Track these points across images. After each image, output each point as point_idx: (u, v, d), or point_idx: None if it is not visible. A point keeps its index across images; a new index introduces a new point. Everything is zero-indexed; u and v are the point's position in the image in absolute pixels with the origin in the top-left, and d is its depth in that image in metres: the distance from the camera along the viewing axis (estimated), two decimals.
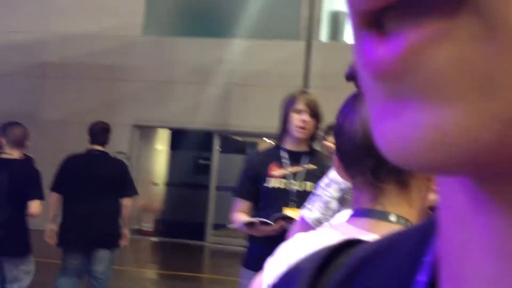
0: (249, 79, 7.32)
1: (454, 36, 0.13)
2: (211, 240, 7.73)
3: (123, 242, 3.33)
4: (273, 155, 2.08)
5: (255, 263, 2.00)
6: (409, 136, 0.14)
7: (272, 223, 1.92)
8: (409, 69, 0.14)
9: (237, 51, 7.37)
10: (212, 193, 7.96)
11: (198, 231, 7.78)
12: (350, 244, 0.27)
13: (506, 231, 0.16)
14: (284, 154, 2.06)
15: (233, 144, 8.46)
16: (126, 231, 3.34)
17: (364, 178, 0.75)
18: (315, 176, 1.99)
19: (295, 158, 2.05)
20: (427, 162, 0.14)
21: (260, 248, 1.98)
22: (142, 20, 7.77)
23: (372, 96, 0.16)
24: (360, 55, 0.15)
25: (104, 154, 3.33)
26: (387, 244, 0.24)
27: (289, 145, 2.06)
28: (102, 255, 3.25)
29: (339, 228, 0.76)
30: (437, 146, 0.14)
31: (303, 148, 2.06)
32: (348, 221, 0.77)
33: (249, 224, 1.95)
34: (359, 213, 0.76)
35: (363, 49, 0.15)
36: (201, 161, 8.69)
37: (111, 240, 3.29)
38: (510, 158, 0.14)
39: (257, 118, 6.86)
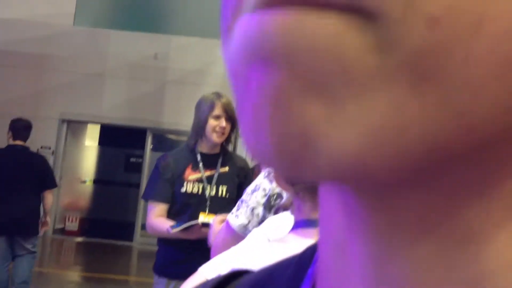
0: (185, 77, 7.21)
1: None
2: (140, 240, 7.54)
3: (44, 228, 3.59)
4: (188, 158, 2.05)
5: (168, 268, 1.97)
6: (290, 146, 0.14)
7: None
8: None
9: (173, 47, 7.23)
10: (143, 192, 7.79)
11: (126, 232, 7.58)
12: (236, 275, 0.28)
13: (382, 259, 0.16)
14: (199, 157, 2.04)
15: (166, 142, 8.32)
16: (47, 219, 3.61)
17: (305, 186, 0.75)
18: (230, 180, 2.02)
19: (210, 161, 2.04)
20: (300, 173, 0.14)
21: (174, 253, 1.96)
22: (74, 10, 7.46)
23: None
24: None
25: (25, 148, 3.54)
26: (267, 275, 0.25)
27: (204, 148, 2.05)
28: (24, 246, 3.46)
29: (285, 240, 0.75)
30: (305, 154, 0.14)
31: (217, 151, 2.05)
32: (293, 232, 0.77)
33: (186, 228, 1.88)
34: (302, 224, 0.76)
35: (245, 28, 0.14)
36: (133, 159, 8.52)
37: (31, 227, 3.53)
38: (376, 171, 0.14)
39: (192, 117, 6.74)
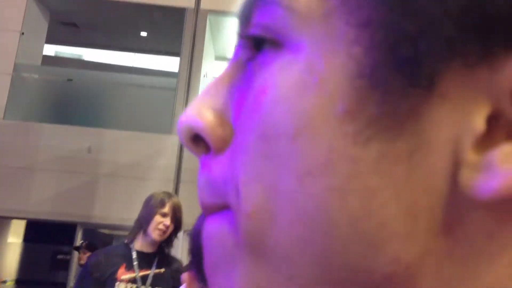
0: (119, 170, 7.11)
1: None
2: None
3: None
4: (122, 255, 1.99)
5: None
6: None
7: None
8: None
9: (107, 141, 7.19)
10: None
11: None
12: None
13: None
14: (134, 255, 1.99)
15: (98, 237, 7.98)
16: None
17: None
18: (165, 282, 1.97)
19: (146, 260, 1.99)
20: None
21: None
22: (4, 104, 7.34)
23: None
24: None
25: None
26: None
27: (141, 246, 2.00)
28: None
29: None
30: None
31: (154, 249, 2.01)
32: None
33: None
34: None
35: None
36: (60, 256, 8.05)
37: None
38: None
39: (126, 210, 6.59)
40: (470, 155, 0.18)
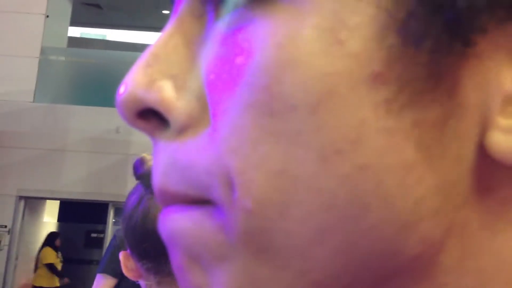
0: (147, 149, 7.18)
1: None
2: None
3: None
4: None
5: None
6: None
7: None
8: None
9: None
10: None
11: None
12: None
13: None
14: None
15: None
16: None
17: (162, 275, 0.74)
18: None
19: None
20: None
21: None
22: (34, 87, 7.47)
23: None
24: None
25: None
26: None
27: None
28: None
29: None
30: None
31: None
32: None
33: None
34: None
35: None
36: (94, 235, 8.24)
37: None
38: None
39: None
40: (499, 118, 0.16)
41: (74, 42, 9.00)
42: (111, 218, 7.57)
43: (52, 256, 7.45)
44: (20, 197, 7.18)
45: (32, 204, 7.54)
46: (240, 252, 0.17)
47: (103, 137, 7.19)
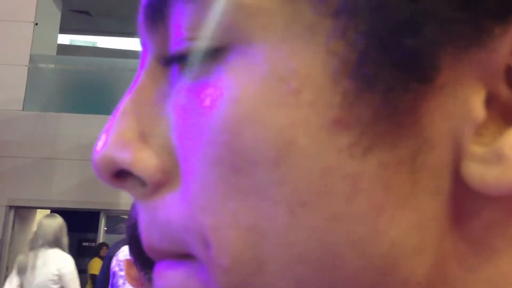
0: None
1: None
2: None
3: None
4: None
5: None
6: None
7: None
8: None
9: None
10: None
11: None
12: None
13: None
14: None
15: (121, 223, 8.10)
16: None
17: None
18: None
19: None
20: None
21: None
22: (23, 95, 7.42)
23: None
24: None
25: None
26: None
27: None
28: None
29: None
30: None
31: None
32: None
33: None
34: None
35: None
36: (86, 243, 8.21)
37: None
38: None
39: None
40: (473, 147, 0.16)
41: (64, 49, 8.96)
42: (102, 227, 7.53)
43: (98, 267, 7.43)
44: (10, 207, 7.11)
45: (22, 213, 7.47)
46: None
47: (94, 145, 7.15)
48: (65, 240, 3.73)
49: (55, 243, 3.45)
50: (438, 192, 0.16)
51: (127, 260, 0.83)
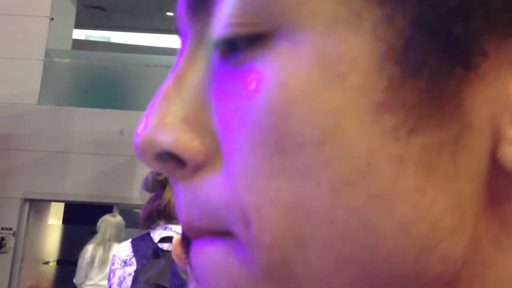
0: None
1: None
2: None
3: None
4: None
5: None
6: None
7: None
8: None
9: (138, 123, 7.26)
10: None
11: None
12: None
13: None
14: None
15: (135, 218, 8.14)
16: None
17: None
18: None
19: None
20: None
21: None
22: (38, 89, 7.49)
23: None
24: None
25: None
26: None
27: None
28: None
29: None
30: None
31: None
32: None
33: None
34: None
35: None
36: None
37: None
38: None
39: None
40: (510, 131, 0.17)
41: (79, 44, 9.02)
42: None
43: None
44: (25, 200, 7.20)
45: (37, 206, 7.56)
46: (263, 286, 0.18)
47: (108, 139, 7.21)
48: (123, 235, 4.03)
49: (118, 237, 3.65)
50: (476, 175, 0.17)
51: (177, 238, 0.86)
